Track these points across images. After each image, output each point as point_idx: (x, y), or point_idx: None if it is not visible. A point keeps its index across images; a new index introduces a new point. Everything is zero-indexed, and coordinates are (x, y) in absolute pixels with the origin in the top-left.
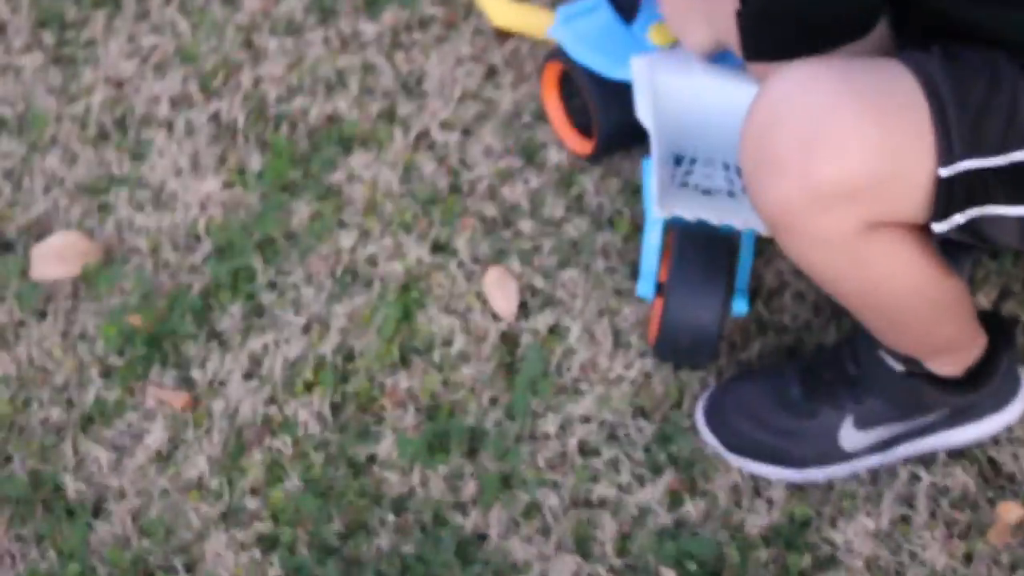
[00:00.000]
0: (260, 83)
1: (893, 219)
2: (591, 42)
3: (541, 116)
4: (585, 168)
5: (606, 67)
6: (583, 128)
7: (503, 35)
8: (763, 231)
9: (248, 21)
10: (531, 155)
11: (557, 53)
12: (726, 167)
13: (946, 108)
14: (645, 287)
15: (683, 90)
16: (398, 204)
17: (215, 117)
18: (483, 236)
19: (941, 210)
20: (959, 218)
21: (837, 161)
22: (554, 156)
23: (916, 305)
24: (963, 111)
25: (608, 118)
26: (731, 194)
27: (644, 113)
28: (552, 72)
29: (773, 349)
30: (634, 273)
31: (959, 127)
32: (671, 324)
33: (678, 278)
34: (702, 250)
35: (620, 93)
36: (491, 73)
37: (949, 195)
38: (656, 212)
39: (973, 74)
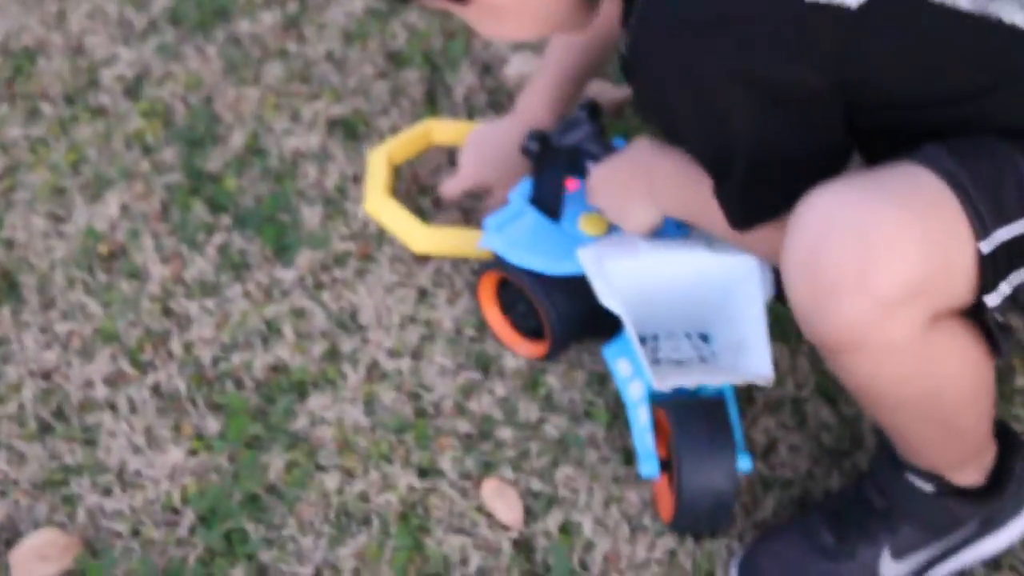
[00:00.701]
0: (192, 348)
1: (950, 305)
2: (527, 245)
3: (485, 327)
4: (545, 367)
5: (548, 265)
6: (529, 332)
7: (422, 257)
8: (755, 381)
9: (160, 290)
10: (487, 366)
11: (491, 264)
12: (688, 336)
13: (968, 190)
14: (649, 467)
15: (634, 272)
16: (370, 438)
17: (156, 389)
18: (465, 452)
19: (990, 283)
20: (1005, 287)
21: (893, 265)
22: (511, 362)
23: (972, 394)
24: (982, 189)
25: (559, 315)
26: (702, 359)
27: (609, 299)
28: (489, 284)
29: (784, 503)
30: (627, 458)
31: (984, 204)
32: (689, 495)
33: (686, 449)
34: (702, 417)
35: (565, 289)
36: (423, 295)
37: (993, 266)
38: (656, 386)
39: (974, 156)
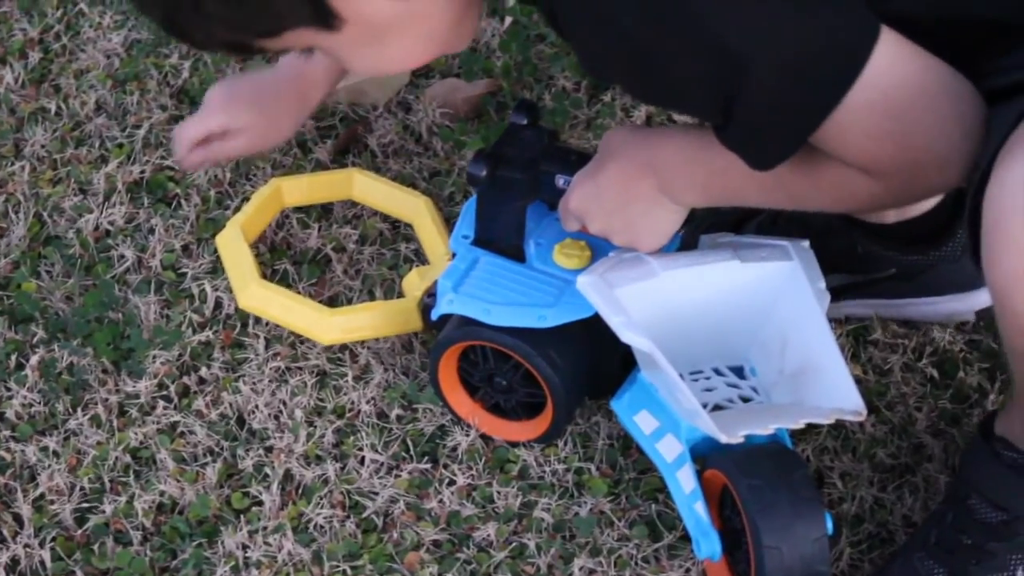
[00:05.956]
0: (45, 505)
1: None
2: (502, 299)
3: (413, 404)
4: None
5: (546, 316)
6: (514, 412)
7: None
8: (847, 418)
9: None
10: (432, 450)
11: (455, 337)
12: (718, 372)
13: None
14: (710, 546)
15: (650, 297)
16: (318, 574)
17: (14, 568)
18: (445, 567)
19: None
20: None
21: None
22: (461, 439)
23: None
24: None
25: (563, 378)
26: (744, 399)
27: (631, 334)
28: (450, 363)
29: (862, 545)
30: (651, 531)
31: None
32: (775, 567)
33: (763, 517)
34: (773, 471)
35: (562, 345)
36: (322, 378)
37: None
38: (724, 441)
39: None
